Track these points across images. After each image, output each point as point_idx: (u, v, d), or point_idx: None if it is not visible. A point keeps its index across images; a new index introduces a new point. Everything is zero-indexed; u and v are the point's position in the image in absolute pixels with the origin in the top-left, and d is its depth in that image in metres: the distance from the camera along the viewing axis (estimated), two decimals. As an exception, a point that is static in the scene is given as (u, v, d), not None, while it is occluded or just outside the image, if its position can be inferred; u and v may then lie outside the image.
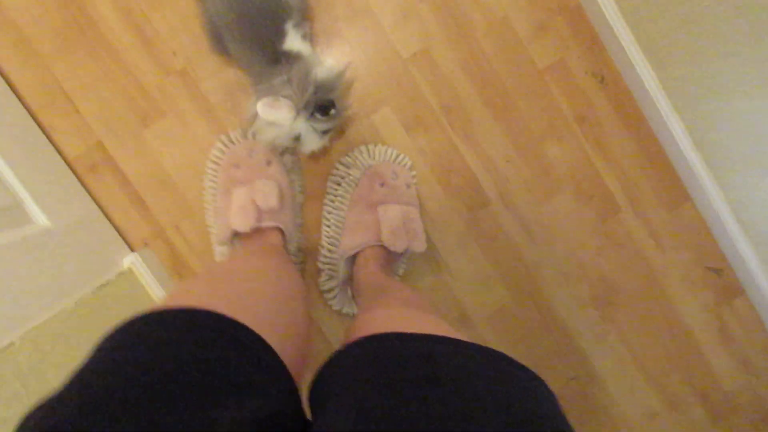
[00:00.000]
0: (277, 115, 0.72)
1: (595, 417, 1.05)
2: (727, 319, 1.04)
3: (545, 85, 0.94)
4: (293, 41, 0.73)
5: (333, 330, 0.97)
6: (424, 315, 0.57)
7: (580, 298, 1.01)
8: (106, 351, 0.41)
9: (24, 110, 0.85)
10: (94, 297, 0.76)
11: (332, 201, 0.90)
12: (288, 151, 0.88)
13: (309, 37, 0.79)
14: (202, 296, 0.49)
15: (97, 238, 0.86)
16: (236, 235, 0.84)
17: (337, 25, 0.89)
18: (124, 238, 0.90)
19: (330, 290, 0.92)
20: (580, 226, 0.99)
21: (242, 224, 0.80)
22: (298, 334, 0.55)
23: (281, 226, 0.83)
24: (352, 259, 0.89)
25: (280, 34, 0.72)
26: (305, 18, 0.79)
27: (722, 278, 1.02)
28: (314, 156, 0.91)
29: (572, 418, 0.40)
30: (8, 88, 0.85)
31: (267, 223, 0.82)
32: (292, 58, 0.72)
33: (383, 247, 0.86)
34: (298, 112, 0.72)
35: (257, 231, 0.83)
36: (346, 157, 0.90)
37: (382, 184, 0.88)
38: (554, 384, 0.41)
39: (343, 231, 0.89)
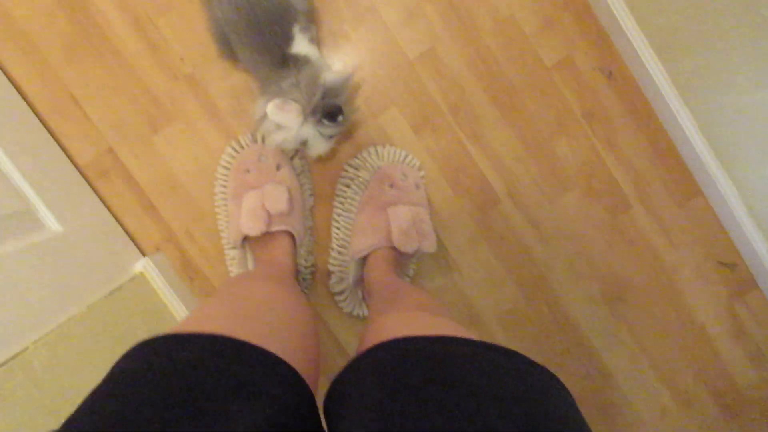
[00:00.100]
0: (286, 118, 0.73)
1: (608, 415, 1.05)
2: (741, 314, 1.03)
3: (553, 82, 0.94)
4: (300, 45, 0.73)
5: (344, 332, 0.97)
6: (436, 317, 0.57)
7: (591, 295, 1.01)
8: (123, 373, 0.42)
9: (35, 117, 0.86)
10: (106, 301, 0.76)
11: (342, 203, 0.91)
12: (297, 154, 0.88)
13: (316, 41, 0.79)
14: (218, 321, 0.50)
15: (108, 243, 0.87)
16: (247, 239, 0.85)
17: (343, 27, 0.89)
18: (135, 243, 0.90)
19: (341, 292, 0.92)
20: (590, 223, 0.98)
21: (252, 228, 0.80)
22: (308, 352, 0.56)
23: (291, 229, 0.83)
24: (363, 260, 0.89)
25: (287, 38, 0.72)
26: (312, 21, 0.79)
27: (735, 273, 1.01)
28: (323, 159, 0.91)
29: (585, 417, 0.40)
30: (19, 95, 0.85)
31: (277, 227, 0.82)
32: (299, 61, 0.73)
33: (393, 249, 0.86)
34: (306, 117, 0.73)
35: (267, 235, 0.83)
36: (355, 159, 0.90)
37: (392, 186, 0.88)
38: (566, 382, 0.41)
39: (353, 233, 0.89)
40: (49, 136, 0.86)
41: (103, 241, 0.85)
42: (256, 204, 0.82)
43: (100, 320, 0.73)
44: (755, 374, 1.05)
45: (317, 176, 0.92)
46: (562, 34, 0.92)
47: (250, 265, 0.89)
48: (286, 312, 0.59)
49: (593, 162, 0.96)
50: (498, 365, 0.41)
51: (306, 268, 0.91)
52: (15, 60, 0.85)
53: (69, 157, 0.87)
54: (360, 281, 0.91)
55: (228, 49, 0.78)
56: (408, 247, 0.84)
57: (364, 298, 0.93)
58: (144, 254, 0.91)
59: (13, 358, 0.58)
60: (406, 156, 0.91)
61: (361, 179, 0.89)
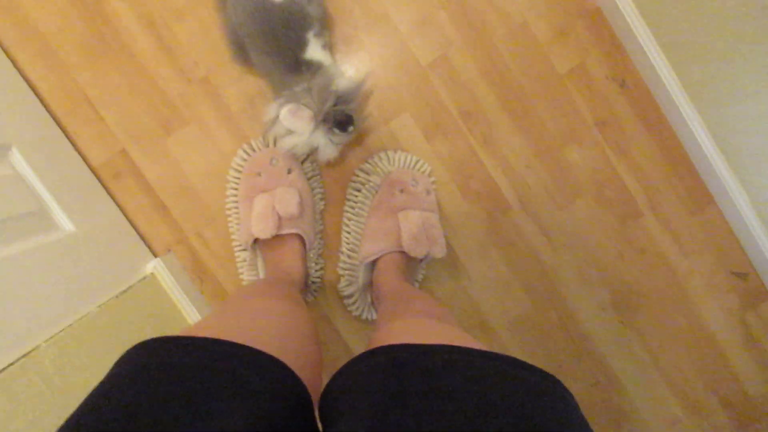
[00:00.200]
0: (298, 124, 0.73)
1: (617, 423, 1.04)
2: (752, 324, 1.02)
3: (565, 90, 0.93)
4: (314, 50, 0.73)
5: (352, 336, 0.97)
6: (442, 325, 0.57)
7: (601, 303, 1.00)
8: (119, 375, 0.42)
9: (50, 118, 0.87)
10: (117, 301, 0.77)
11: (352, 207, 0.91)
12: (308, 158, 0.89)
13: (329, 47, 0.80)
14: (214, 328, 0.50)
15: (120, 243, 0.87)
16: (257, 241, 0.85)
17: (356, 33, 0.90)
18: (147, 244, 0.91)
19: (350, 296, 0.93)
20: (601, 230, 0.98)
21: (263, 231, 0.81)
22: (307, 355, 0.56)
23: (301, 232, 0.84)
24: (372, 265, 0.89)
25: (301, 44, 0.73)
26: (325, 27, 0.80)
27: (747, 282, 1.01)
28: (334, 163, 0.91)
29: (593, 425, 0.39)
30: (35, 97, 0.86)
31: (287, 230, 0.82)
32: (313, 67, 0.73)
33: (403, 253, 0.86)
34: (317, 124, 0.73)
35: (278, 238, 0.83)
36: (366, 164, 0.90)
37: (402, 191, 0.88)
38: (575, 390, 0.41)
39: (363, 237, 0.89)
40: (63, 137, 0.87)
41: (115, 242, 0.86)
42: (266, 207, 0.82)
43: (110, 320, 0.74)
44: (766, 384, 1.04)
45: (328, 180, 0.93)
46: (575, 42, 0.92)
47: (260, 267, 0.89)
48: (282, 318, 0.59)
49: (605, 170, 0.96)
50: (494, 373, 0.41)
51: (316, 271, 0.91)
52: (31, 61, 0.86)
53: (83, 157, 0.88)
54: (369, 285, 0.92)
55: (242, 54, 0.79)
56: (418, 252, 0.84)
57: (373, 302, 0.93)
58: (155, 255, 0.91)
59: (24, 356, 0.58)
60: (417, 161, 0.92)
61: (371, 184, 0.89)
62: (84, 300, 0.73)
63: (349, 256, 0.91)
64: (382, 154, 0.91)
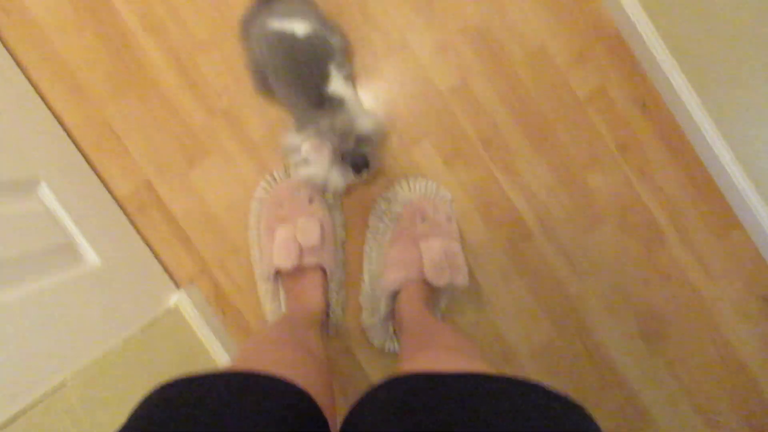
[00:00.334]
0: (318, 158, 0.74)
1: (647, 454, 1.01)
2: (784, 351, 1.00)
3: (586, 114, 0.93)
4: (337, 84, 0.74)
5: (374, 367, 0.96)
6: (466, 358, 0.56)
7: (627, 330, 0.98)
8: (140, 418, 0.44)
9: (77, 152, 0.89)
10: (141, 334, 0.77)
11: (374, 237, 0.91)
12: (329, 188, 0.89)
13: (351, 78, 0.81)
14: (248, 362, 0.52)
15: (144, 275, 0.88)
16: (279, 272, 0.85)
17: (376, 61, 0.91)
18: (170, 276, 0.91)
19: (371, 326, 0.92)
20: (625, 256, 0.97)
21: (285, 262, 0.81)
22: (322, 385, 0.58)
23: (323, 263, 0.84)
24: (394, 294, 0.88)
25: (324, 77, 0.73)
26: (347, 58, 0.81)
27: (778, 308, 0.98)
28: (355, 192, 0.91)
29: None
30: (62, 130, 0.88)
31: (309, 261, 0.83)
32: (335, 101, 0.74)
33: (425, 283, 0.86)
34: (335, 161, 0.74)
35: (299, 268, 0.83)
36: (387, 193, 0.90)
37: (424, 219, 0.87)
38: (601, 420, 0.40)
39: (384, 266, 0.89)
40: (90, 169, 0.89)
41: (139, 274, 0.87)
42: (288, 237, 0.83)
43: (135, 354, 0.74)
44: (802, 414, 1.01)
45: (349, 209, 0.93)
46: (594, 66, 0.92)
47: (282, 298, 0.89)
48: (293, 370, 0.60)
49: (627, 194, 0.95)
50: (515, 401, 0.41)
51: (337, 301, 0.91)
52: (59, 95, 0.88)
53: (108, 190, 0.89)
54: (391, 315, 0.91)
55: (265, 86, 0.80)
56: (440, 281, 0.84)
57: (394, 333, 0.92)
58: (178, 286, 0.92)
59: (51, 392, 0.58)
60: (438, 189, 0.91)
61: (393, 212, 0.89)
62: (109, 333, 0.73)
63: (370, 286, 0.91)
64: (403, 182, 0.91)
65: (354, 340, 0.95)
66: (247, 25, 0.80)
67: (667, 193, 0.95)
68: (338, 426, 0.50)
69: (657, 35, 0.87)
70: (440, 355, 0.61)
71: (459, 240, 0.90)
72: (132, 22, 0.88)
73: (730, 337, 0.99)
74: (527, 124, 0.93)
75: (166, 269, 0.91)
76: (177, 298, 0.87)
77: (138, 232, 0.90)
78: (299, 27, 0.73)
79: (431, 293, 0.88)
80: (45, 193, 0.76)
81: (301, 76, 0.73)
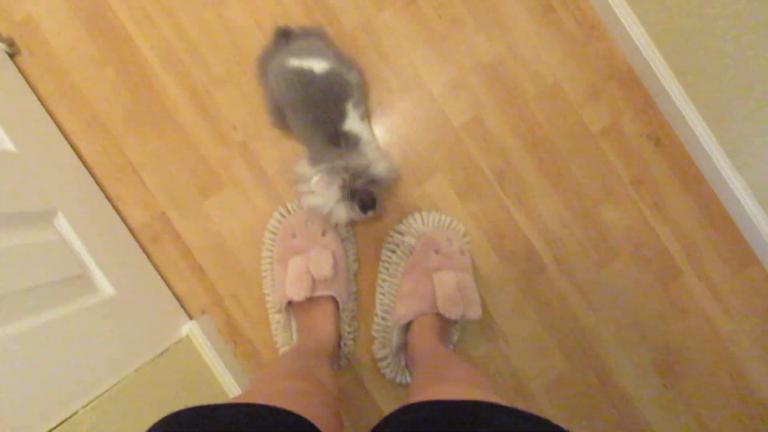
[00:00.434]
0: (326, 192, 0.74)
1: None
2: (805, 388, 0.97)
3: (599, 149, 0.93)
4: (353, 122, 0.75)
5: (385, 399, 0.95)
6: (478, 391, 0.56)
7: (642, 365, 0.97)
8: None
9: (93, 183, 0.90)
10: (153, 365, 0.77)
11: (387, 269, 0.91)
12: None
13: (367, 116, 0.82)
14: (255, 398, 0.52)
15: (157, 306, 0.88)
16: (291, 303, 0.85)
17: (390, 97, 0.92)
18: (183, 306, 0.92)
19: (383, 358, 0.91)
20: (640, 290, 0.96)
21: (297, 293, 0.81)
22: (333, 428, 0.58)
23: (335, 294, 0.84)
24: (406, 326, 0.88)
25: (341, 115, 0.74)
26: (363, 95, 0.82)
27: (797, 345, 0.97)
28: (369, 224, 0.92)
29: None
30: (80, 162, 0.89)
31: (321, 292, 0.83)
32: (350, 140, 0.75)
33: (438, 315, 0.85)
34: (343, 196, 0.75)
35: (311, 300, 0.83)
36: (401, 225, 0.91)
37: (437, 251, 0.87)
38: None
39: (397, 298, 0.88)
40: (106, 200, 0.90)
41: (152, 304, 0.87)
42: (301, 268, 0.83)
43: (146, 384, 0.74)
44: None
45: (362, 241, 0.93)
46: (607, 101, 0.93)
47: (294, 329, 0.89)
48: (303, 400, 0.60)
49: (642, 228, 0.94)
50: None
51: (349, 333, 0.90)
52: (78, 128, 0.90)
53: (124, 221, 0.90)
54: (403, 347, 0.90)
55: (282, 122, 0.81)
56: (453, 314, 0.83)
57: (407, 365, 0.91)
58: (191, 317, 0.92)
59: (63, 422, 0.58)
60: (451, 222, 0.91)
61: (406, 245, 0.89)
62: (122, 364, 0.73)
63: (383, 318, 0.91)
64: (416, 215, 0.91)
65: (366, 371, 0.94)
66: (266, 61, 0.82)
67: (681, 227, 0.95)
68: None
69: (669, 71, 0.87)
70: (452, 387, 0.61)
71: (472, 273, 0.90)
72: (152, 58, 0.90)
73: (749, 373, 0.97)
74: (540, 158, 0.93)
75: (178, 299, 0.91)
76: (189, 328, 0.87)
77: (152, 262, 0.91)
78: (318, 64, 0.75)
79: (444, 326, 0.88)
80: (61, 223, 0.77)
81: (318, 113, 0.74)
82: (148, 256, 0.91)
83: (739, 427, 0.98)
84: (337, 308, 0.86)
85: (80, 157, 0.90)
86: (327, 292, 0.83)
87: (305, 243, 0.86)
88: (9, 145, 0.75)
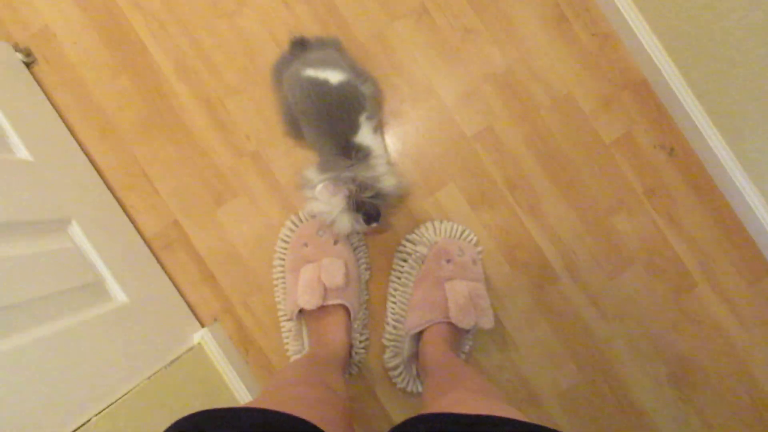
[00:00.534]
0: (330, 201, 0.75)
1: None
2: (821, 401, 0.96)
3: (612, 159, 0.93)
4: (365, 135, 0.76)
5: (396, 408, 0.95)
6: (490, 402, 0.55)
7: (656, 376, 0.96)
8: None
9: (107, 191, 0.91)
10: (165, 372, 0.77)
11: (398, 278, 0.91)
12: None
13: (380, 129, 0.82)
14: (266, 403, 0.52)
15: (169, 313, 0.88)
16: (302, 311, 0.85)
17: (403, 107, 0.92)
18: (194, 314, 0.92)
19: (395, 367, 0.91)
20: (653, 301, 0.95)
21: (308, 302, 0.81)
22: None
23: (347, 303, 0.84)
24: (418, 336, 0.88)
25: (354, 127, 0.75)
26: (377, 107, 0.82)
27: (814, 357, 0.95)
28: (381, 233, 0.92)
29: None
30: (94, 170, 0.90)
31: (332, 301, 0.83)
32: (361, 152, 0.75)
33: (450, 324, 0.85)
34: (348, 206, 0.75)
35: (323, 308, 0.83)
36: (413, 234, 0.91)
37: (449, 261, 0.87)
38: None
39: (409, 308, 0.88)
40: (119, 208, 0.91)
41: (164, 312, 0.87)
42: (312, 277, 0.83)
43: (158, 392, 0.74)
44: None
45: (374, 250, 0.93)
46: (621, 111, 0.92)
47: (305, 337, 0.89)
48: (314, 407, 0.60)
49: (655, 239, 0.94)
50: None
51: (360, 342, 0.90)
52: (92, 137, 0.91)
53: (137, 229, 0.91)
54: (415, 357, 0.90)
55: (295, 131, 0.81)
56: (465, 323, 0.83)
57: (418, 374, 0.91)
58: (202, 325, 0.92)
59: (76, 430, 0.59)
60: (464, 231, 0.91)
61: (418, 254, 0.89)
62: (135, 371, 0.73)
63: (394, 327, 0.90)
64: (429, 224, 0.91)
65: (377, 380, 0.94)
66: (281, 70, 0.82)
67: (695, 238, 0.94)
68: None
69: (683, 81, 0.87)
70: (464, 397, 0.60)
71: (484, 282, 0.90)
72: (166, 68, 0.91)
73: (765, 385, 0.96)
74: (553, 168, 0.93)
75: (190, 307, 0.92)
76: (200, 336, 0.88)
77: (164, 270, 0.91)
78: (333, 75, 0.75)
79: (456, 335, 0.87)
80: (75, 231, 0.78)
81: (331, 123, 0.74)
82: (161, 264, 0.91)
83: (753, 439, 0.97)
84: (349, 317, 0.86)
85: (94, 165, 0.91)
86: (338, 301, 0.83)
87: (317, 252, 0.86)
88: (25, 154, 0.76)
